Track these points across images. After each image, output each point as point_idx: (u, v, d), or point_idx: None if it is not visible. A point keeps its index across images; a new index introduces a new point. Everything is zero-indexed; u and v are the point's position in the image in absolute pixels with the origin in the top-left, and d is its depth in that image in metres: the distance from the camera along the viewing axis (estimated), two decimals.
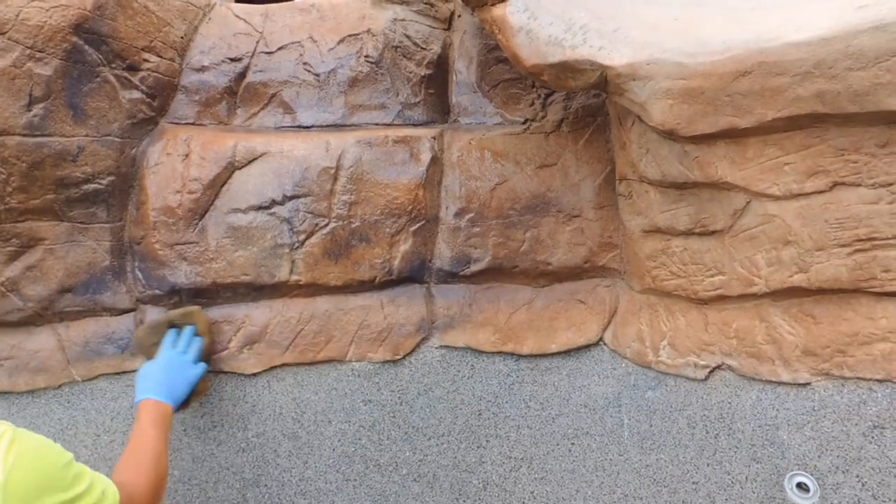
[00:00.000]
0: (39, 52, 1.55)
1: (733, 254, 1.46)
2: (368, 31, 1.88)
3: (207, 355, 1.69)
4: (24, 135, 1.57)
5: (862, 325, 1.31)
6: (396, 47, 1.87)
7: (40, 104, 1.57)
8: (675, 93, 1.33)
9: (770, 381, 1.46)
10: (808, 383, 1.40)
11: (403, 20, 1.91)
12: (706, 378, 1.56)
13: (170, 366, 1.55)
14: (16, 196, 1.60)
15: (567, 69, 1.45)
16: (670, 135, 1.39)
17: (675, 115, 1.35)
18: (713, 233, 1.49)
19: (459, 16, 1.95)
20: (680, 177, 1.48)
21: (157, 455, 1.33)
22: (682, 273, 1.57)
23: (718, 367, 1.54)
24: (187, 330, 1.65)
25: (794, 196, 1.33)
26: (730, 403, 1.53)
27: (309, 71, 1.86)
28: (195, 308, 1.70)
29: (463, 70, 1.92)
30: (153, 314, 1.72)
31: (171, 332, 1.65)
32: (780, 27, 1.28)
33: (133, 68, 1.71)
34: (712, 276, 1.51)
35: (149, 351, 1.65)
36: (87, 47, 1.61)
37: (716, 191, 1.44)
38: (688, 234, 1.54)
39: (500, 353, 1.77)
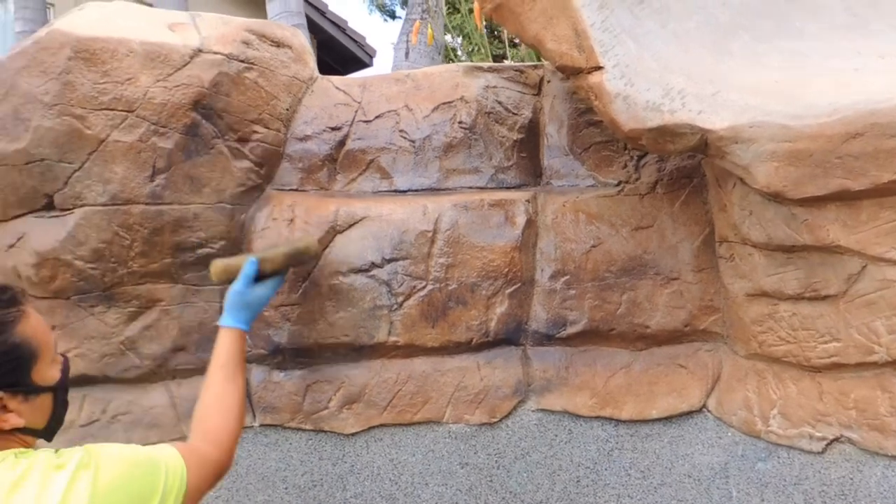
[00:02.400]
0: (163, 127, 1.68)
1: (849, 320, 1.40)
2: (461, 98, 1.95)
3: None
4: (147, 203, 1.69)
5: None
6: (489, 113, 1.93)
7: (162, 175, 1.70)
8: (780, 155, 1.32)
9: None
10: None
11: (495, 87, 1.97)
12: (823, 451, 1.48)
13: (261, 303, 1.58)
14: (137, 260, 1.72)
15: (666, 133, 1.46)
16: (776, 197, 1.37)
17: (781, 177, 1.33)
18: (825, 297, 1.44)
19: (549, 81, 2.00)
20: (787, 240, 1.44)
21: (242, 402, 1.41)
22: (792, 339, 1.51)
23: (836, 439, 1.46)
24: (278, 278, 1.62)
25: None
26: (851, 479, 1.44)
27: (405, 138, 1.93)
28: (313, 243, 1.69)
29: (554, 133, 1.96)
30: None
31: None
32: (890, 89, 1.25)
33: (243, 139, 1.82)
34: (826, 342, 1.45)
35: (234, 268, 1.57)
36: (203, 121, 1.73)
37: (827, 254, 1.40)
38: (797, 298, 1.49)
39: (598, 417, 1.74)
